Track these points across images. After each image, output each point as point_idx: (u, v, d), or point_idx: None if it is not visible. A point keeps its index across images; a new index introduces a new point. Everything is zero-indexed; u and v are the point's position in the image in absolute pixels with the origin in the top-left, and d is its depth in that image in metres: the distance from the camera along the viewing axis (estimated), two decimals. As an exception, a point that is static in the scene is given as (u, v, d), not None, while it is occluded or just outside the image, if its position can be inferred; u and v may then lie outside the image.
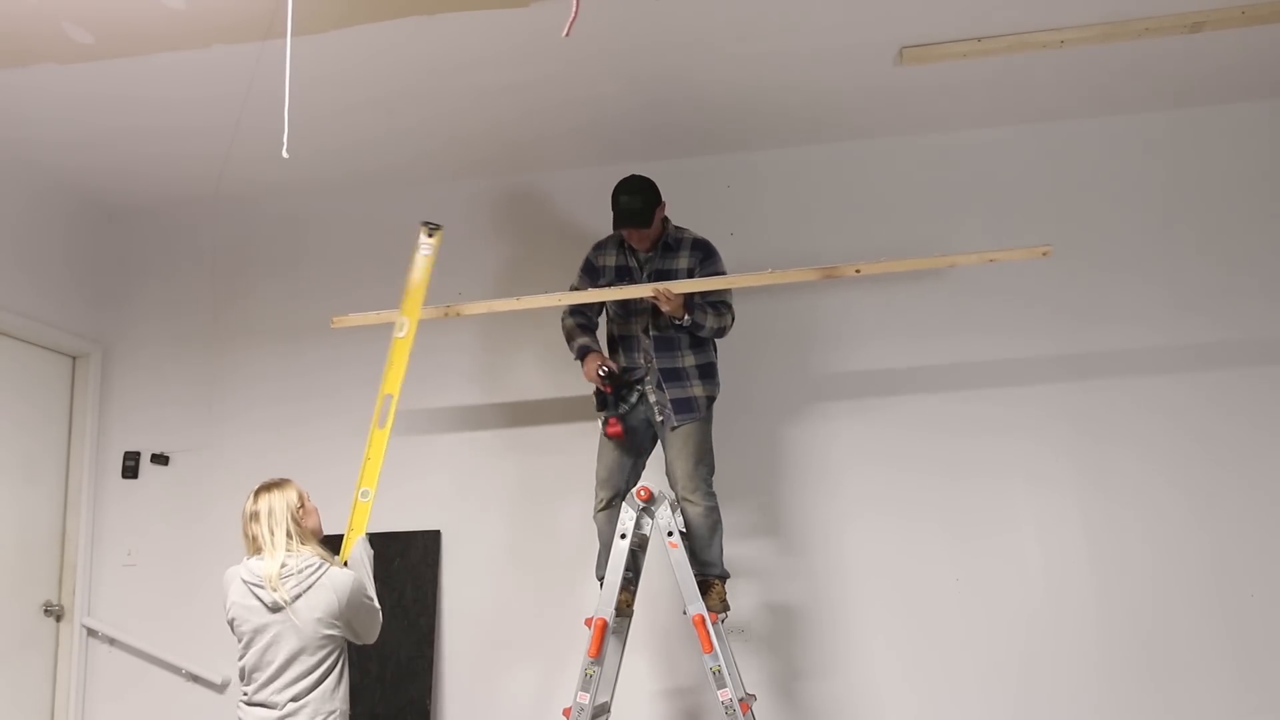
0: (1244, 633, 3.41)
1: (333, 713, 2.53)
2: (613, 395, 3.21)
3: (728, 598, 3.20)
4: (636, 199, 3.22)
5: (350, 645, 2.67)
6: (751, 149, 4.01)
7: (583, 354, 3.29)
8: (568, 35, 2.31)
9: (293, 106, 2.62)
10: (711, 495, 3.19)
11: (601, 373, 3.18)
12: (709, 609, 3.02)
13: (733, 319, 3.28)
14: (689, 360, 3.25)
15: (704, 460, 3.21)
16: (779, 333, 3.87)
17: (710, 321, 3.22)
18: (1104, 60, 3.44)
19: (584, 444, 3.89)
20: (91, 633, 4.04)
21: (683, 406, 3.21)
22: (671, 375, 3.23)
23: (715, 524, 3.19)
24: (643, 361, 3.28)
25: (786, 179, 4.02)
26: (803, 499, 3.73)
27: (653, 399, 3.25)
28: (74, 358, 4.26)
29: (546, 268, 4.03)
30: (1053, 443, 3.63)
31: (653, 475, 3.33)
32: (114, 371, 4.31)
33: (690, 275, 3.26)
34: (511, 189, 4.19)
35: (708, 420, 3.26)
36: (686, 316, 3.16)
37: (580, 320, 3.38)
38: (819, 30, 3.22)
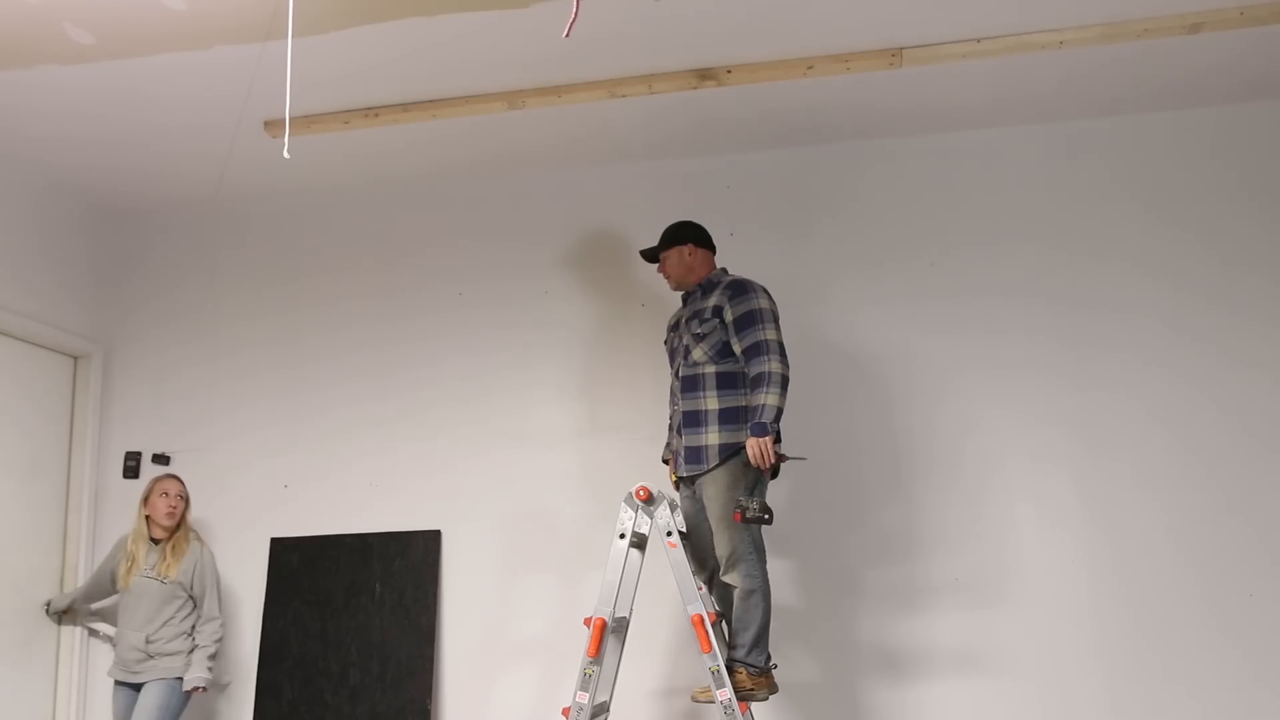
0: (1244, 632, 3.41)
1: None
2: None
3: (766, 688, 2.91)
4: (662, 236, 3.28)
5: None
6: (752, 149, 4.01)
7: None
8: (567, 36, 2.32)
9: (293, 106, 2.64)
10: (754, 574, 2.92)
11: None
12: (739, 697, 2.83)
13: (780, 358, 2.97)
14: (711, 404, 3.04)
15: (736, 529, 2.93)
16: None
17: (769, 399, 2.90)
18: (1104, 60, 3.44)
19: (583, 444, 3.90)
20: (92, 633, 4.04)
21: (692, 456, 3.04)
22: (690, 419, 3.07)
23: (755, 606, 2.90)
24: (674, 406, 3.21)
25: (786, 179, 4.02)
26: (802, 499, 3.73)
27: (675, 444, 3.17)
28: (75, 358, 4.26)
29: (545, 266, 4.05)
30: (1052, 442, 3.63)
31: (654, 478, 3.31)
32: (115, 371, 4.32)
33: (717, 313, 3.08)
34: (511, 189, 4.19)
35: (734, 475, 2.97)
36: (778, 445, 2.95)
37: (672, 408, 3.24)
38: (819, 31, 3.23)
